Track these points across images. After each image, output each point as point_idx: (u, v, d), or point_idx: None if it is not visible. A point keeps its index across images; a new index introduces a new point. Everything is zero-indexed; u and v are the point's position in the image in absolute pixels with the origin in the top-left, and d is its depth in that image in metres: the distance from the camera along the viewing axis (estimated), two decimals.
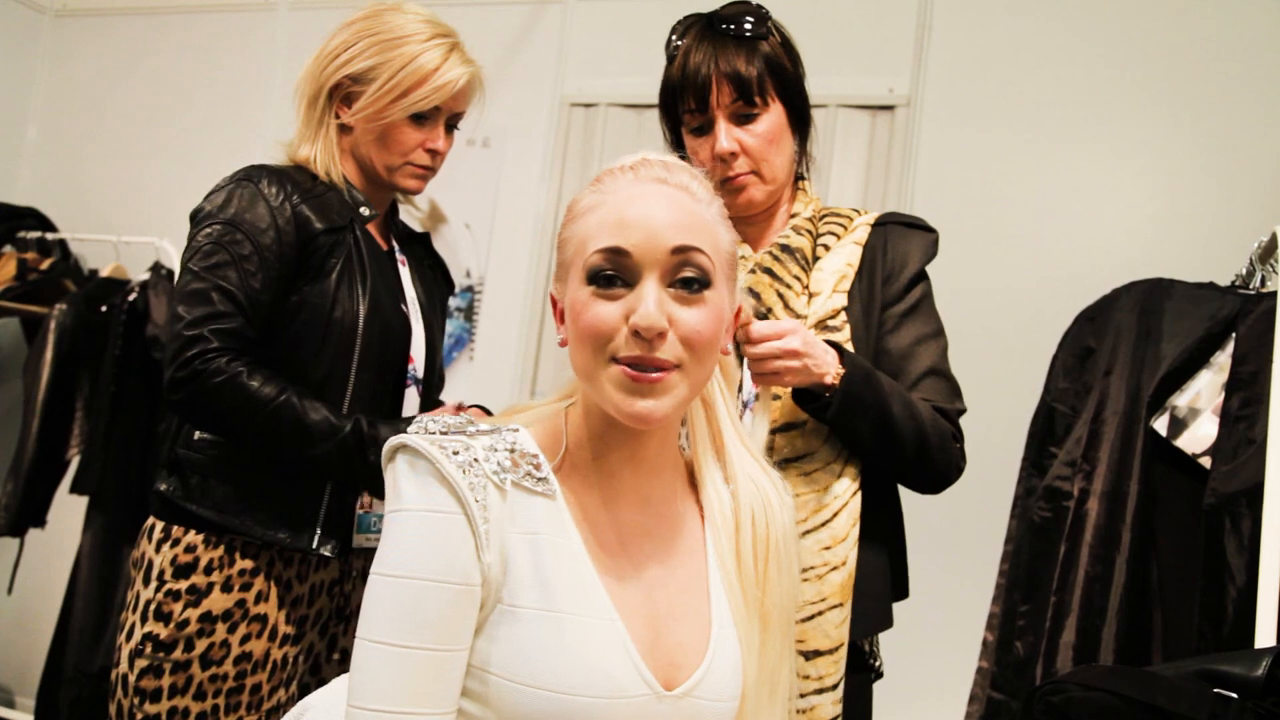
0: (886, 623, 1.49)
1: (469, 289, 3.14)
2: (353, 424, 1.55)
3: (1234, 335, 1.75)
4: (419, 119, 1.69)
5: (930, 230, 1.57)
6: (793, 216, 1.55)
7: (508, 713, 0.93)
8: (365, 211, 1.70)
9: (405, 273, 1.81)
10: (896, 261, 1.52)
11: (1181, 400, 1.77)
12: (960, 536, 2.44)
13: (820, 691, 1.37)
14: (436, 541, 0.92)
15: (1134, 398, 1.79)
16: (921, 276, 1.54)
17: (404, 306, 1.74)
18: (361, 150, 1.71)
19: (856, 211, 1.58)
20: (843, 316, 1.47)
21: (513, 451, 0.99)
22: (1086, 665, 1.68)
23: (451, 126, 1.76)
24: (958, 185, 2.63)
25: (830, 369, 1.34)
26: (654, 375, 0.95)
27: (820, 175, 2.76)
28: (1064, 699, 1.23)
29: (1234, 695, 1.15)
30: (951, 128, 2.66)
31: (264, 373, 1.54)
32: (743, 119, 1.47)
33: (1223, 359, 1.76)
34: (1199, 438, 1.74)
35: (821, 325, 1.46)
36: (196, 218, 1.63)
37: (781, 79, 1.49)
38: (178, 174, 3.48)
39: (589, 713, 0.93)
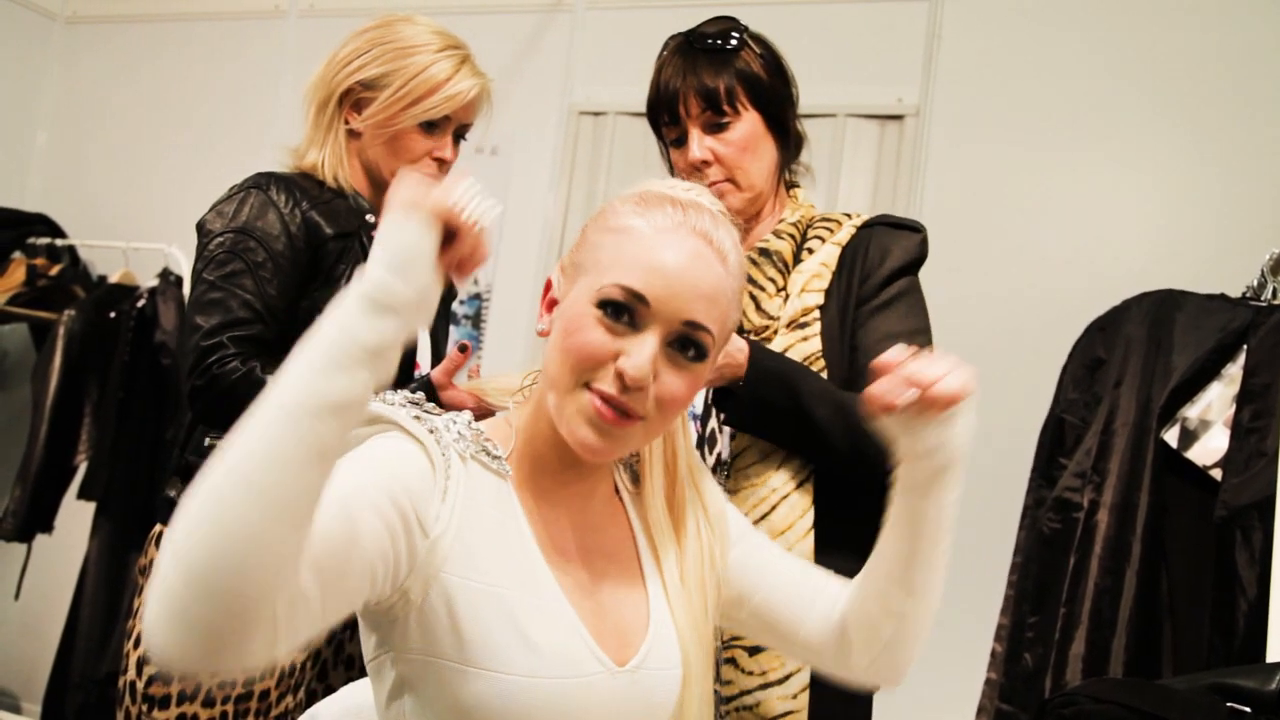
0: None
1: (476, 296, 3.14)
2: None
3: (1245, 347, 1.75)
4: (428, 127, 1.71)
5: (918, 230, 1.54)
6: (779, 223, 1.55)
7: (467, 701, 0.90)
8: (371, 219, 1.71)
9: None
10: (875, 259, 1.50)
11: (1192, 412, 1.77)
12: (967, 547, 2.43)
13: (765, 686, 1.36)
14: (392, 459, 0.89)
15: (1144, 409, 1.79)
16: (901, 274, 1.51)
17: None
18: (369, 155, 1.72)
19: (848, 216, 1.57)
20: (815, 314, 1.46)
21: (470, 427, 0.99)
22: (1097, 678, 1.68)
23: (459, 137, 1.77)
24: (966, 195, 2.63)
25: (741, 368, 1.33)
26: (621, 419, 0.94)
27: (829, 184, 2.76)
28: (1075, 711, 1.22)
29: (1247, 710, 1.15)
30: (960, 137, 2.66)
31: (277, 366, 1.54)
32: (715, 128, 1.49)
33: (1234, 371, 1.75)
34: (1210, 450, 1.74)
35: (793, 324, 1.46)
36: (205, 228, 1.63)
37: (755, 88, 1.50)
38: (187, 180, 3.49)
39: (552, 693, 0.92)
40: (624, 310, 0.95)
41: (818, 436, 1.37)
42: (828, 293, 1.48)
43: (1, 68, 3.70)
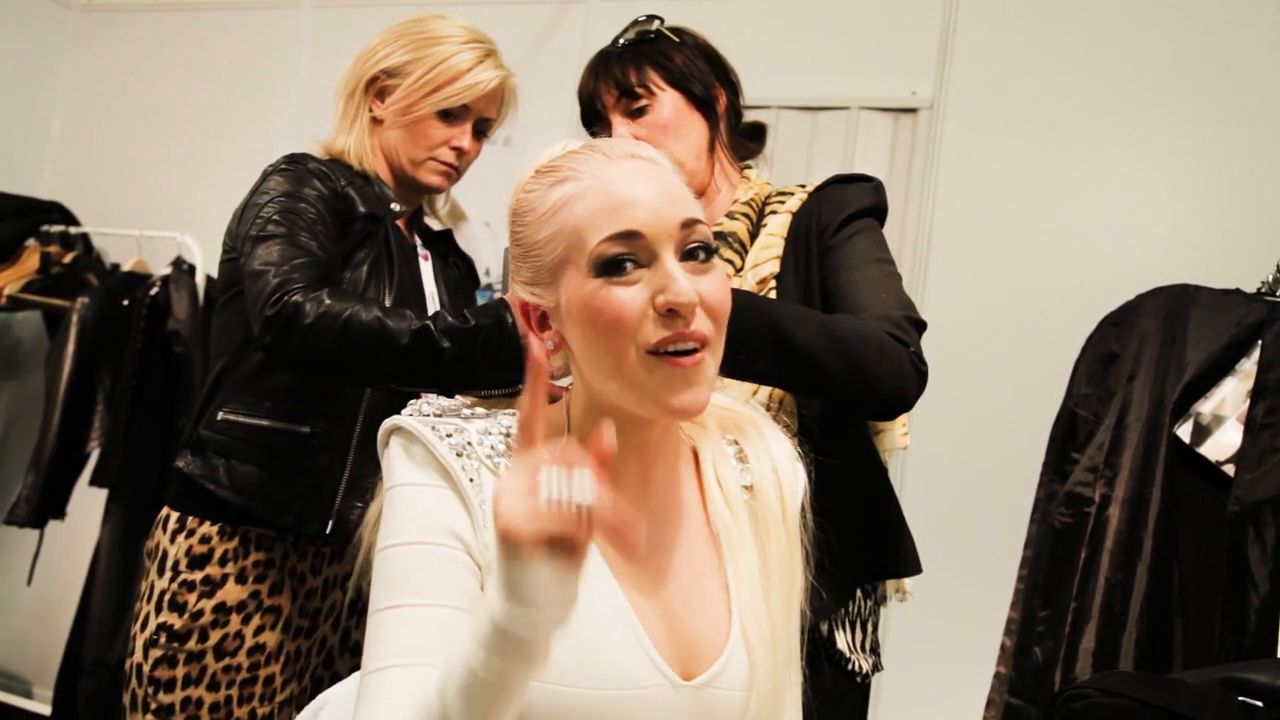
0: (838, 603, 1.40)
1: (489, 287, 3.14)
2: (435, 317, 1.41)
3: (1260, 342, 1.73)
4: (447, 116, 1.72)
5: (870, 179, 1.51)
6: (732, 204, 1.55)
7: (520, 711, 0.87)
8: (396, 207, 1.72)
9: (427, 269, 1.82)
10: (831, 212, 1.47)
11: (1206, 407, 1.75)
12: (977, 539, 2.43)
13: None
14: (432, 510, 0.91)
15: (1157, 404, 1.78)
16: (857, 217, 1.47)
17: (425, 303, 1.75)
18: (389, 142, 1.74)
19: (802, 186, 1.55)
20: (771, 285, 1.45)
21: (508, 436, 0.96)
22: (1109, 671, 1.67)
23: (481, 131, 1.78)
24: (979, 188, 2.62)
25: None
26: (694, 358, 0.90)
27: None
28: (1086, 705, 1.22)
29: (1259, 704, 1.14)
30: (974, 131, 2.65)
31: (340, 292, 1.44)
32: (634, 114, 1.52)
33: (1248, 366, 1.74)
34: (1223, 445, 1.73)
35: None
36: (250, 204, 1.59)
37: (667, 69, 1.53)
38: (201, 170, 3.50)
39: (603, 707, 0.89)
40: (625, 259, 0.90)
41: (808, 364, 1.28)
42: (782, 260, 1.47)
43: (16, 56, 3.72)
